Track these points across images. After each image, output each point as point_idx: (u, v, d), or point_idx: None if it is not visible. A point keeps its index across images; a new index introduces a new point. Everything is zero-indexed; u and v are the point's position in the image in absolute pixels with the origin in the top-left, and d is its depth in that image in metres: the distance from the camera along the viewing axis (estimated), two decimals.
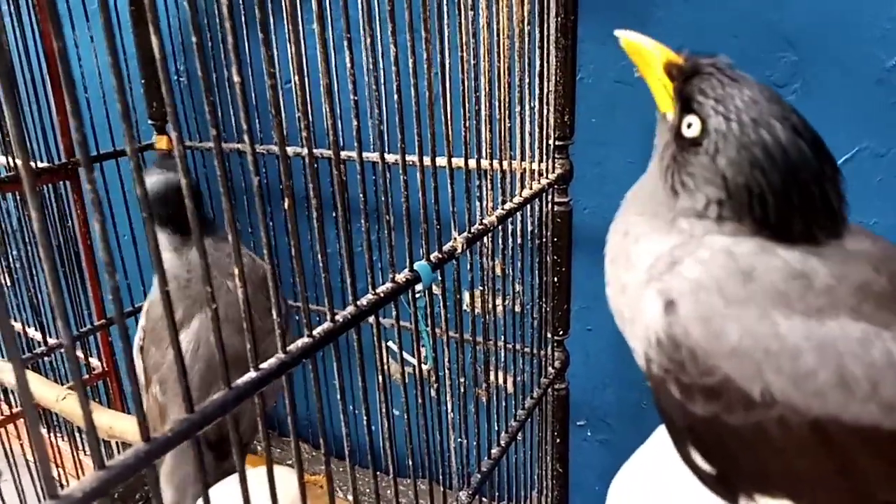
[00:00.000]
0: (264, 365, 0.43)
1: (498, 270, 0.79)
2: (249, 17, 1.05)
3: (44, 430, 1.34)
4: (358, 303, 0.52)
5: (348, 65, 0.49)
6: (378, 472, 0.61)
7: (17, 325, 1.28)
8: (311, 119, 0.43)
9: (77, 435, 1.33)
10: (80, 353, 1.27)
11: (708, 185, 0.44)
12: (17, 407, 1.22)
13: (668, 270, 0.44)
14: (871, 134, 0.82)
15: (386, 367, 1.18)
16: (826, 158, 0.43)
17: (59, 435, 1.37)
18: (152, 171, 0.86)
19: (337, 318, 0.50)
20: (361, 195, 0.52)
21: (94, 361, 1.27)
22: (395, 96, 0.54)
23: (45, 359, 1.18)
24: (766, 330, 0.40)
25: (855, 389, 0.39)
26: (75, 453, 1.30)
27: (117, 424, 0.92)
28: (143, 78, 1.20)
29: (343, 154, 1.03)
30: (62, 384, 1.19)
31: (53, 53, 1.10)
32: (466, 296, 0.74)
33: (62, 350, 1.20)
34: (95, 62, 1.13)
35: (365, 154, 0.58)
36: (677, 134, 0.46)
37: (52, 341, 1.16)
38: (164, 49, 0.37)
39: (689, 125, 0.45)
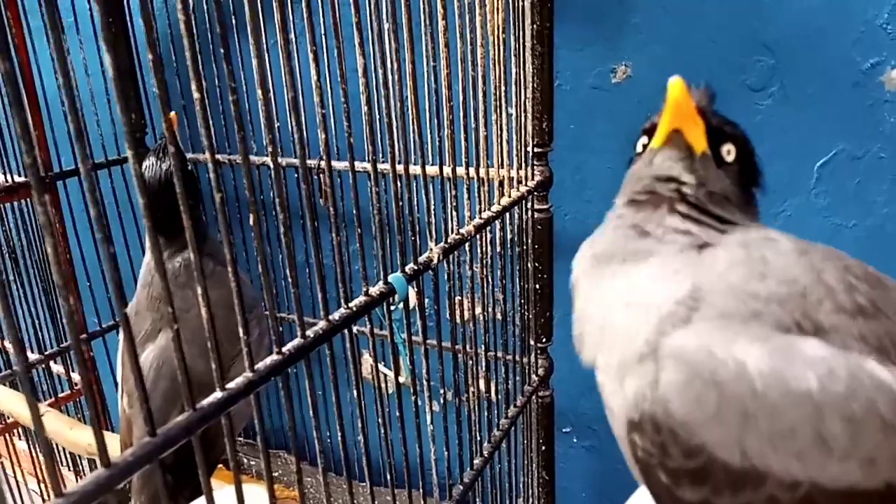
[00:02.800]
0: (231, 385, 0.43)
1: (478, 279, 0.79)
2: (214, 32, 1.05)
3: (25, 446, 1.32)
4: (330, 317, 0.52)
5: (314, 76, 0.48)
6: (359, 483, 0.60)
7: None
8: (277, 131, 0.43)
9: (58, 451, 1.31)
10: (61, 369, 1.26)
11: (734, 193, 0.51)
12: None
13: (683, 321, 0.45)
14: (848, 136, 0.82)
15: (372, 379, 1.17)
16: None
17: (41, 451, 1.35)
18: (149, 157, 0.81)
19: (308, 333, 0.49)
20: (332, 207, 0.52)
21: (76, 377, 1.25)
22: (364, 107, 0.54)
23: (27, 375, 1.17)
24: (743, 387, 0.40)
25: (834, 447, 0.39)
26: (58, 469, 1.29)
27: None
28: (121, 91, 1.19)
29: (311, 163, 1.02)
30: (42, 401, 1.18)
31: (28, 65, 1.09)
32: (447, 305, 0.73)
33: (41, 366, 1.18)
34: (72, 74, 1.12)
35: (335, 164, 0.57)
36: (719, 163, 0.51)
37: (32, 357, 1.15)
38: (141, 62, 0.37)
39: (728, 151, 0.51)
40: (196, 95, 0.38)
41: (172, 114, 0.84)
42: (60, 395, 1.24)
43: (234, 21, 1.08)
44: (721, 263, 0.46)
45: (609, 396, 0.49)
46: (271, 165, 0.45)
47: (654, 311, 0.45)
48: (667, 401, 0.42)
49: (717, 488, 0.41)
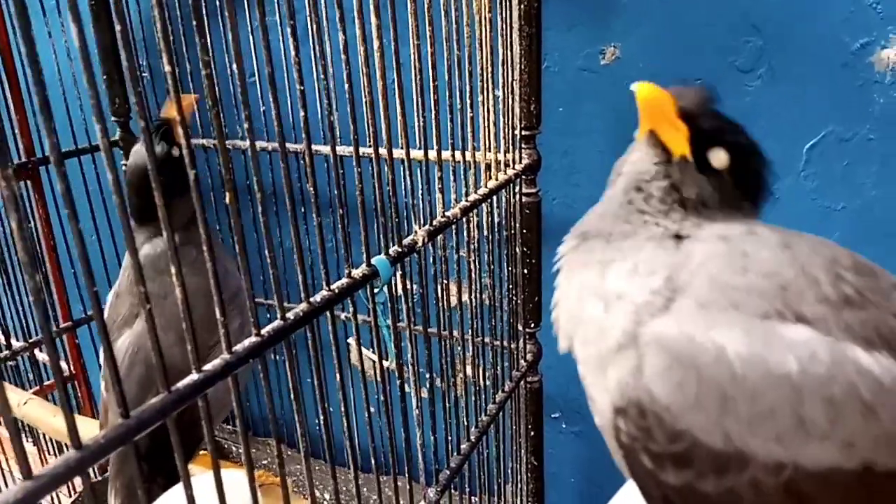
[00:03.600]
0: (207, 367, 0.42)
1: (466, 264, 0.78)
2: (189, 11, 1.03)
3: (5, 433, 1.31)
4: (311, 299, 0.51)
5: (293, 54, 0.47)
6: (343, 469, 0.60)
7: None
8: (254, 110, 0.42)
9: (43, 439, 1.30)
10: (46, 357, 1.24)
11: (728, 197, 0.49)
12: None
13: (661, 310, 0.45)
14: (837, 118, 0.81)
15: (356, 362, 1.16)
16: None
17: (27, 439, 1.34)
18: (137, 147, 0.79)
19: (288, 315, 0.49)
20: (311, 188, 0.51)
21: (62, 365, 1.24)
22: (346, 86, 0.53)
23: (9, 363, 1.16)
24: (723, 372, 0.40)
25: (812, 429, 0.39)
26: (43, 457, 1.28)
27: (81, 429, 0.90)
28: (105, 73, 1.17)
29: (292, 147, 1.01)
30: (26, 389, 1.17)
31: (8, 50, 1.07)
32: (434, 290, 0.72)
33: (26, 354, 1.17)
34: (54, 59, 1.10)
35: (316, 147, 0.56)
36: (702, 167, 0.49)
37: (16, 345, 1.14)
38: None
39: (719, 156, 0.49)
40: (167, 68, 0.37)
41: (192, 96, 0.81)
42: (46, 383, 1.23)
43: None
44: (699, 255, 0.46)
45: (590, 388, 0.49)
46: (247, 146, 0.44)
47: (628, 301, 0.45)
48: (650, 386, 0.42)
49: (700, 472, 0.41)
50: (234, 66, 0.41)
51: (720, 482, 0.41)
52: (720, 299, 0.43)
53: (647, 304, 0.45)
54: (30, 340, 1.16)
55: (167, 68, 0.37)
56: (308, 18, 0.49)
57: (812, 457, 0.39)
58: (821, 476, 0.39)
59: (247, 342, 0.45)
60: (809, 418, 0.39)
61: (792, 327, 0.41)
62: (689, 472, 0.42)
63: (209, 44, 0.39)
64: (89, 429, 0.87)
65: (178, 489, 0.64)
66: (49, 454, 1.31)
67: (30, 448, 1.33)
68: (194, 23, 0.39)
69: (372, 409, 0.62)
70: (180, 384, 0.40)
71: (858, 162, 0.81)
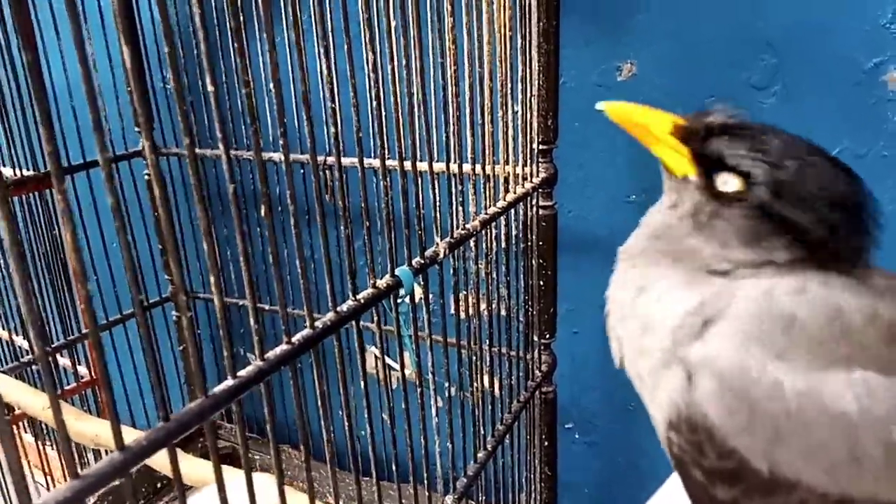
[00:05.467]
0: (242, 372, 0.43)
1: (483, 274, 0.79)
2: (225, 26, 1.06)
3: (31, 438, 1.33)
4: (338, 309, 0.53)
5: (325, 72, 0.49)
6: (363, 478, 0.61)
7: (5, 334, 1.27)
8: (287, 125, 0.44)
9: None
10: (67, 362, 1.27)
11: (765, 235, 0.45)
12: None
13: (697, 335, 0.44)
14: (851, 135, 0.82)
15: (374, 371, 1.18)
16: (860, 183, 0.45)
17: (47, 443, 1.36)
18: None
19: (316, 324, 0.50)
20: (341, 201, 0.52)
21: (81, 370, 1.26)
22: (374, 102, 0.54)
23: (33, 367, 1.18)
24: (776, 406, 0.40)
25: (868, 468, 0.39)
26: (62, 460, 1.30)
27: (104, 433, 0.92)
28: (129, 85, 1.20)
29: (323, 160, 1.03)
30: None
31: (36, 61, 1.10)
32: (452, 300, 0.74)
33: (49, 359, 1.19)
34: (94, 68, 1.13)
35: (346, 160, 0.58)
36: (712, 193, 0.46)
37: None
38: (149, 57, 0.37)
39: (725, 182, 0.46)
40: (210, 88, 0.39)
41: None
42: (66, 387, 1.25)
43: (242, 17, 1.09)
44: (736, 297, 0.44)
45: (649, 405, 0.49)
46: (282, 160, 0.46)
47: (667, 320, 0.45)
48: (702, 404, 0.42)
49: (748, 490, 0.42)
50: (272, 84, 0.43)
51: (767, 501, 0.41)
52: (766, 332, 0.42)
53: (680, 327, 0.45)
54: (52, 345, 1.18)
55: (210, 88, 0.39)
56: (337, 37, 0.51)
57: (867, 493, 0.39)
58: None
59: (278, 350, 0.47)
60: (865, 457, 0.39)
61: (849, 364, 0.41)
62: (737, 490, 0.42)
63: (249, 63, 0.40)
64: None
65: (208, 492, 0.66)
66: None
67: (51, 452, 1.35)
68: (235, 44, 0.41)
69: (391, 417, 0.64)
70: (216, 389, 0.42)
71: (873, 178, 0.81)
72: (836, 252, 0.44)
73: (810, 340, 0.41)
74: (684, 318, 0.45)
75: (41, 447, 1.27)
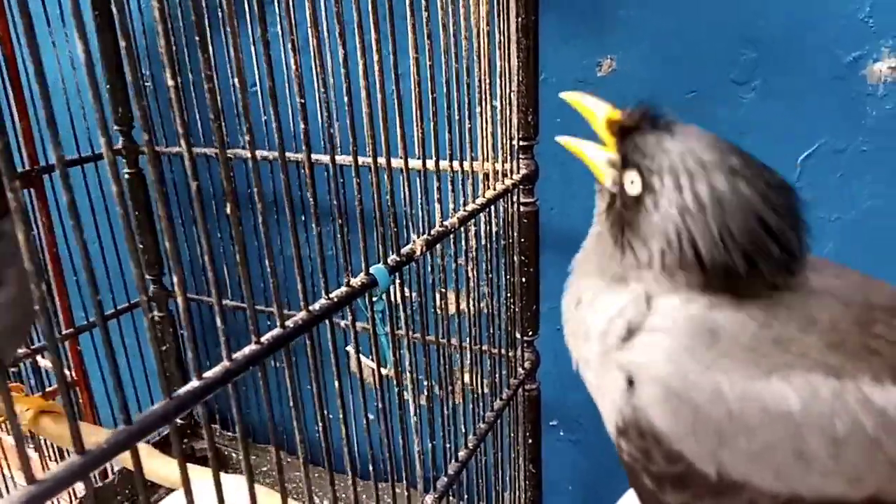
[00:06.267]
0: (208, 373, 0.43)
1: (464, 273, 0.79)
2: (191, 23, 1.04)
3: (11, 440, 1.32)
4: (310, 308, 0.52)
5: (294, 67, 0.48)
6: (340, 476, 0.60)
7: None
8: (256, 122, 0.43)
9: (45, 445, 1.31)
10: (48, 363, 1.25)
11: (653, 241, 0.43)
12: None
13: (624, 342, 0.44)
14: (831, 130, 0.82)
15: (355, 370, 1.17)
16: (777, 193, 0.42)
17: (29, 445, 1.35)
18: None
19: (287, 323, 0.49)
20: (311, 198, 0.52)
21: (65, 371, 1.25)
22: (346, 98, 0.54)
23: (11, 370, 1.16)
24: (719, 409, 0.40)
25: (815, 464, 0.38)
26: (45, 463, 1.29)
27: (84, 435, 0.91)
28: (108, 83, 1.19)
29: (291, 156, 1.02)
30: (32, 394, 1.18)
31: (13, 58, 1.09)
32: (433, 298, 0.73)
33: (28, 360, 1.18)
34: (58, 67, 1.12)
35: (316, 156, 0.57)
36: (621, 191, 0.46)
37: (19, 351, 1.15)
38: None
39: (632, 182, 0.45)
40: (170, 83, 0.38)
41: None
42: (48, 389, 1.24)
43: (219, 13, 1.08)
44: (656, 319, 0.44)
45: (602, 414, 0.49)
46: (247, 154, 0.45)
47: (598, 326, 0.46)
48: (646, 410, 0.42)
49: (698, 493, 0.41)
50: (237, 79, 0.42)
51: (718, 502, 0.41)
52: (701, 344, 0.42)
53: (606, 332, 0.45)
54: (32, 347, 1.17)
55: (170, 82, 0.38)
56: (308, 32, 0.50)
57: (815, 489, 0.39)
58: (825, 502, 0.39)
59: (247, 350, 0.46)
60: (812, 455, 0.38)
61: (788, 373, 0.40)
62: (686, 494, 0.42)
63: (212, 57, 0.40)
64: (93, 435, 0.88)
65: (179, 494, 0.65)
66: (51, 459, 1.31)
67: (32, 453, 1.33)
68: (197, 38, 0.40)
69: (371, 417, 0.63)
70: (181, 391, 0.41)
71: (852, 173, 0.82)
72: (714, 271, 0.41)
73: (740, 349, 0.41)
74: (608, 325, 0.45)
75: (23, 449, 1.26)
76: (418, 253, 0.64)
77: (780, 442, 0.39)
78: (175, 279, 0.40)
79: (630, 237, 0.45)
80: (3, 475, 1.25)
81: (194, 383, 0.42)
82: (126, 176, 1.21)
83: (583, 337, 0.48)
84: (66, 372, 1.26)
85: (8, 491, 1.25)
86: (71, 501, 1.20)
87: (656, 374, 0.42)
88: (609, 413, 0.46)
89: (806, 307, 0.42)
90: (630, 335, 0.44)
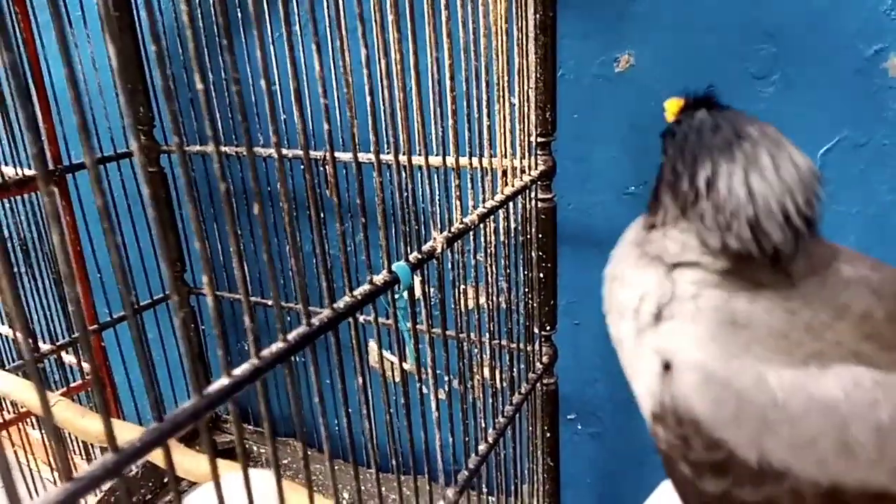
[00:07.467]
0: (237, 371, 0.43)
1: (483, 268, 0.79)
2: (218, 24, 1.05)
3: (38, 435, 1.34)
4: (334, 305, 0.53)
5: (317, 67, 0.49)
6: (364, 470, 0.61)
7: (8, 332, 1.28)
8: (280, 121, 0.43)
9: (70, 439, 1.33)
10: (72, 359, 1.27)
11: (697, 228, 0.45)
12: (9, 413, 1.23)
13: (656, 320, 0.45)
14: (852, 124, 0.82)
15: (375, 365, 1.18)
16: (805, 185, 0.44)
17: (51, 437, 1.37)
18: None
19: (313, 321, 0.50)
20: (335, 197, 0.52)
21: (86, 366, 1.27)
22: (368, 98, 0.54)
23: (37, 365, 1.18)
24: (763, 397, 0.40)
25: (859, 455, 0.38)
26: (70, 458, 1.31)
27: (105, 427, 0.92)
28: (128, 83, 1.20)
29: (315, 154, 1.03)
30: (53, 390, 1.20)
31: (36, 60, 1.10)
32: (451, 294, 0.74)
33: (53, 356, 1.20)
34: (80, 68, 1.13)
35: (339, 154, 0.58)
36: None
37: (43, 347, 1.17)
38: (150, 54, 0.37)
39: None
40: (199, 86, 0.39)
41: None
42: (72, 384, 1.26)
43: (238, 13, 1.09)
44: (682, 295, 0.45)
45: (638, 401, 0.49)
46: (276, 156, 0.46)
47: (630, 303, 0.46)
48: (686, 396, 0.42)
49: (738, 481, 0.41)
50: (263, 81, 0.43)
51: (758, 491, 0.41)
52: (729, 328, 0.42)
53: (637, 311, 0.45)
54: (56, 343, 1.19)
55: (199, 86, 0.39)
56: (327, 31, 0.51)
57: (858, 480, 0.39)
58: (867, 496, 0.39)
59: (274, 347, 0.47)
60: (855, 446, 0.39)
61: (827, 362, 0.40)
62: (726, 481, 0.42)
63: (237, 60, 0.40)
64: (121, 431, 0.89)
65: (205, 489, 0.66)
66: (75, 454, 1.34)
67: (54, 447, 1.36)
68: (225, 41, 0.41)
69: (392, 411, 0.64)
70: (211, 388, 0.42)
71: (873, 167, 0.82)
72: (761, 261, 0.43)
73: (772, 336, 0.41)
74: (639, 302, 0.45)
75: (48, 444, 1.28)
76: (439, 250, 0.65)
77: (824, 431, 0.39)
78: (205, 279, 0.41)
79: (670, 221, 0.46)
80: (31, 469, 1.27)
81: (224, 381, 0.43)
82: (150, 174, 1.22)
83: (618, 313, 0.48)
84: (88, 367, 1.28)
85: (34, 483, 1.27)
86: (96, 494, 1.22)
87: (693, 359, 0.42)
88: (645, 398, 0.46)
89: (837, 296, 0.42)
90: (660, 315, 0.44)
